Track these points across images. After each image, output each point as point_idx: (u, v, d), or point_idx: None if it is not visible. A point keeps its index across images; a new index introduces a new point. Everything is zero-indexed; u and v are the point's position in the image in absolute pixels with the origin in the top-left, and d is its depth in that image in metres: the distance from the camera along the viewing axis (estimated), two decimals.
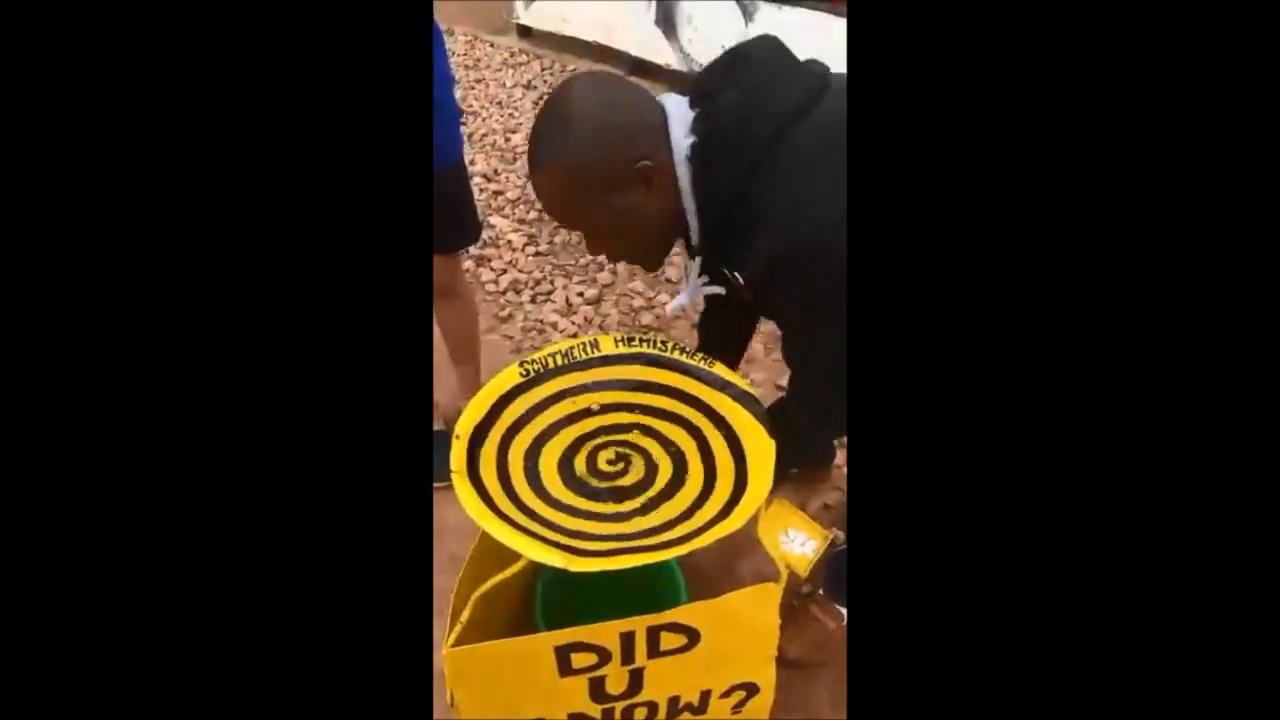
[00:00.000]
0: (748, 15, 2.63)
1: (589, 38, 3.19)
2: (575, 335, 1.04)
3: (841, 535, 1.17)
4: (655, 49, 2.94)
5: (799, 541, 0.88)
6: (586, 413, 0.92)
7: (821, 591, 1.20)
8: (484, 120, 2.80)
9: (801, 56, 0.79)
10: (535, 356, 0.94)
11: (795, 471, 1.42)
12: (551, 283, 1.99)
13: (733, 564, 1.33)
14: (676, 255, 0.92)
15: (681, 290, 0.92)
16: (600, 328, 1.86)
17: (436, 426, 1.52)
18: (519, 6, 3.39)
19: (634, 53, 3.02)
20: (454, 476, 0.79)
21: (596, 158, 0.73)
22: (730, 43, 0.79)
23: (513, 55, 3.35)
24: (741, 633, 0.88)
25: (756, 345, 1.80)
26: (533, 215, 2.24)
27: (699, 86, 0.77)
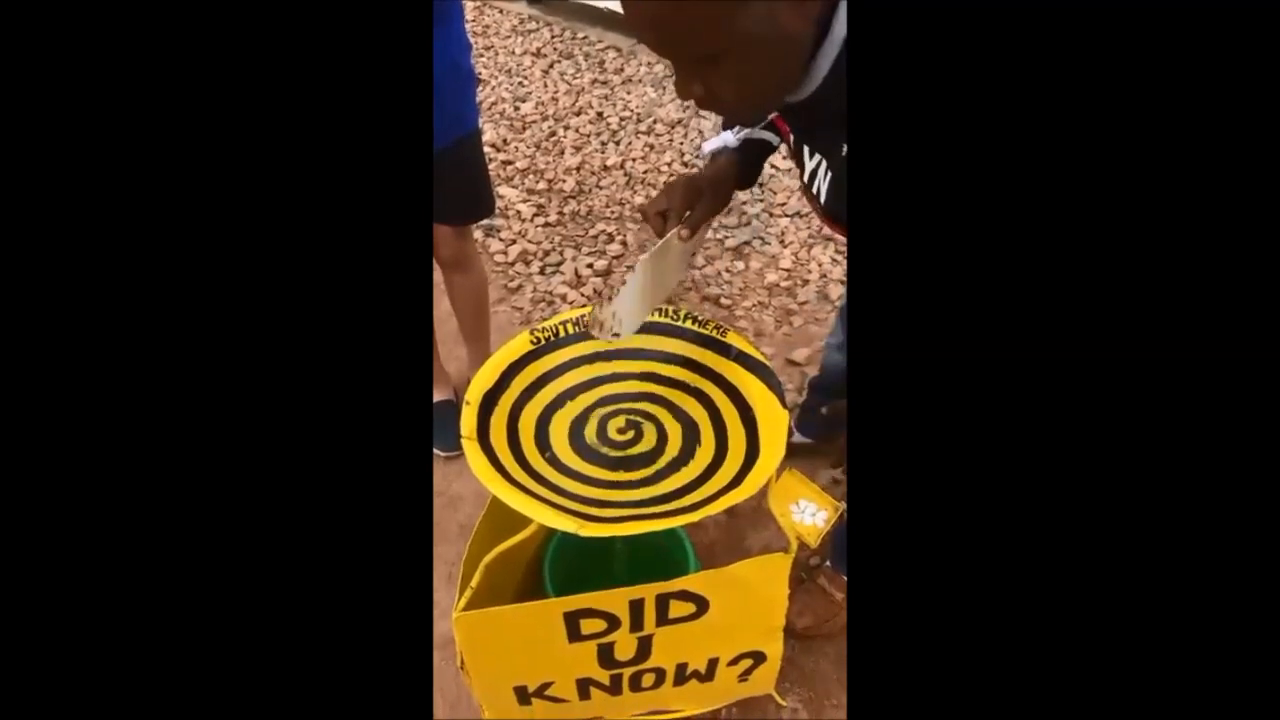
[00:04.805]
0: None
1: (600, 4, 3.13)
2: (585, 306, 1.03)
3: None
4: None
5: (809, 512, 0.87)
6: (597, 381, 0.91)
7: (830, 563, 1.20)
8: (493, 89, 2.77)
9: None
10: (546, 324, 0.93)
11: (808, 443, 1.42)
12: (561, 254, 1.97)
13: (742, 534, 1.34)
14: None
15: (723, 130, 0.78)
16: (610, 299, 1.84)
17: (448, 397, 1.53)
18: None
19: None
20: (464, 442, 0.79)
21: None
22: None
23: (522, 22, 3.30)
24: (750, 602, 0.88)
25: (767, 319, 1.79)
26: (541, 186, 2.22)
27: None
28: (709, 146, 0.80)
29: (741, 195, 2.11)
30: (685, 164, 2.32)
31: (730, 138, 0.78)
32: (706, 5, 0.54)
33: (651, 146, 2.40)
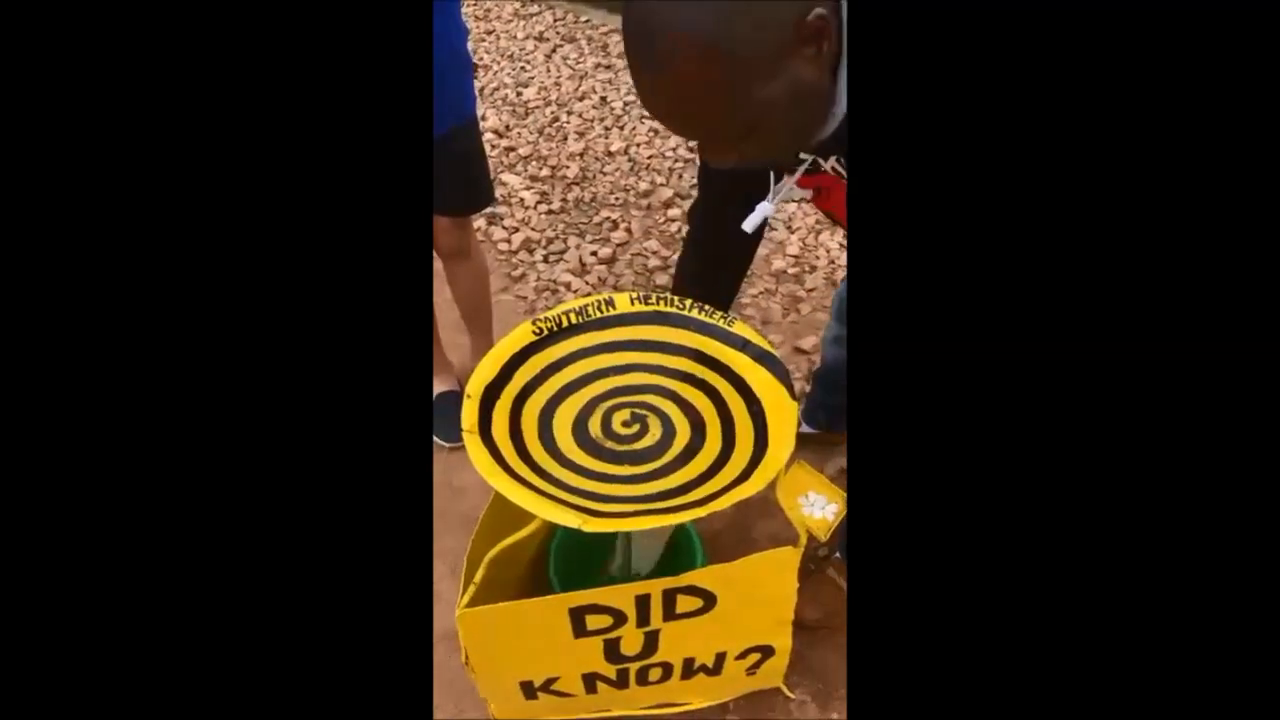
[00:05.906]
0: None
1: None
2: (589, 295, 1.01)
3: None
4: None
5: (819, 505, 0.86)
6: (601, 373, 0.90)
7: (838, 555, 1.19)
8: (495, 74, 2.73)
9: None
10: (549, 314, 0.91)
11: (815, 433, 1.40)
12: (564, 242, 1.95)
13: (749, 524, 1.33)
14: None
15: (767, 197, 0.79)
16: (614, 288, 1.83)
17: (450, 388, 1.51)
18: None
19: None
20: (465, 436, 0.77)
21: (756, 18, 0.52)
22: None
23: (524, 6, 3.26)
24: (758, 596, 0.87)
25: (774, 307, 1.77)
26: (544, 173, 2.20)
27: None
28: (750, 225, 0.79)
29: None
30: (690, 149, 2.29)
31: (768, 208, 0.79)
32: (730, 87, 0.54)
33: (656, 131, 2.37)
